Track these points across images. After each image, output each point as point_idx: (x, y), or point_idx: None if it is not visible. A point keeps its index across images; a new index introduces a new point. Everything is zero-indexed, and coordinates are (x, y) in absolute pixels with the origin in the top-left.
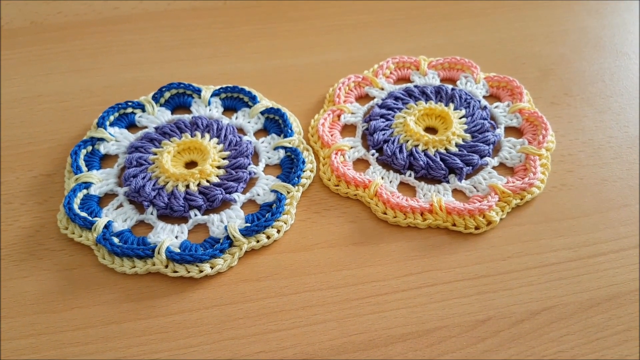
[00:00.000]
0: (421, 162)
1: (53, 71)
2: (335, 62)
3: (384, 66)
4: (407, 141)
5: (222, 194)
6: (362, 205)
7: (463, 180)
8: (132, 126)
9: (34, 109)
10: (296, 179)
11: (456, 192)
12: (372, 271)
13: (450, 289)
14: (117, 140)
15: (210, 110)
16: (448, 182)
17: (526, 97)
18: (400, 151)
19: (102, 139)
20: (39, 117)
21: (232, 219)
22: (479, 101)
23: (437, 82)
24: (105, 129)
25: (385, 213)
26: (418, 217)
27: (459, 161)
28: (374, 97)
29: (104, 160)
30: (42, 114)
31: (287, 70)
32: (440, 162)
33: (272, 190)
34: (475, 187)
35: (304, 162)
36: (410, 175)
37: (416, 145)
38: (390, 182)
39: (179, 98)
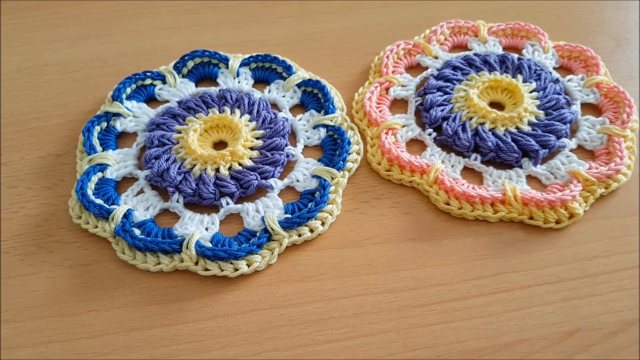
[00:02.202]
0: (489, 144)
1: (61, 37)
2: (378, 27)
3: (437, 31)
4: (471, 118)
5: (257, 179)
6: (419, 194)
7: (538, 165)
8: (151, 100)
9: (40, 80)
10: (341, 162)
11: (530, 179)
12: (436, 272)
13: (530, 294)
14: (135, 115)
15: (239, 82)
16: (521, 167)
17: (602, 69)
18: (464, 130)
19: (118, 114)
20: (46, 89)
21: (269, 209)
22: (550, 73)
23: (500, 51)
24: (121, 102)
25: (448, 204)
26: (488, 209)
27: (533, 142)
28: (426, 68)
29: (121, 138)
30: (49, 86)
31: (323, 37)
32: (512, 144)
33: (314, 176)
34: (552, 174)
35: (349, 142)
36: (476, 158)
37: (482, 124)
38: (452, 166)
39: (203, 68)
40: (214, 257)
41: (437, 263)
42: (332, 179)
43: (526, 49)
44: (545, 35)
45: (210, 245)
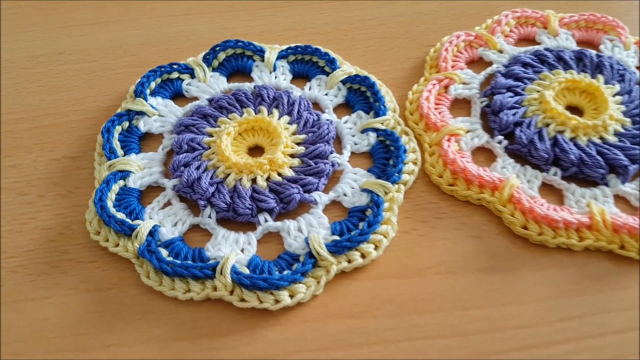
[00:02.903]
0: (572, 156)
1: (77, 22)
2: (433, 14)
3: (502, 22)
4: (548, 125)
5: (299, 192)
6: (490, 214)
7: (627, 183)
8: (178, 96)
9: (54, 70)
10: (396, 174)
11: (617, 199)
12: (513, 312)
13: (624, 341)
14: (160, 114)
15: (276, 77)
16: (607, 184)
17: None
18: (541, 139)
19: (141, 113)
20: (61, 80)
21: (313, 229)
22: (634, 73)
23: (574, 45)
24: (145, 99)
25: (525, 228)
26: (573, 236)
27: (622, 156)
28: (490, 63)
29: (144, 140)
30: (64, 77)
31: (370, 25)
32: (598, 157)
33: (364, 190)
34: None
35: (405, 150)
36: (555, 173)
37: (561, 132)
38: (529, 182)
39: (236, 61)
40: (252, 287)
41: (514, 300)
42: (386, 193)
43: (604, 45)
44: (625, 29)
45: (247, 271)
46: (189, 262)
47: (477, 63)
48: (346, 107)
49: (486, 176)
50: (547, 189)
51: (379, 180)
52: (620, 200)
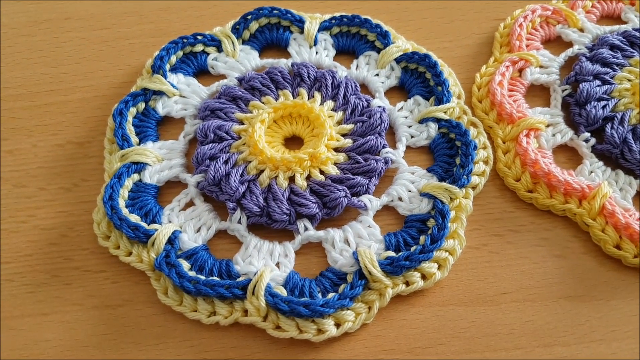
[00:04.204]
0: None
1: None
2: None
3: None
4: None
5: (346, 195)
6: (576, 228)
7: None
8: (202, 73)
9: (59, 38)
10: (465, 177)
11: None
12: (604, 351)
13: None
14: (182, 95)
15: (317, 53)
16: None
17: None
18: (636, 138)
19: (160, 93)
20: (67, 50)
21: (363, 241)
22: None
23: None
24: (164, 76)
25: (618, 247)
26: None
27: None
28: (570, 43)
29: (163, 125)
30: (71, 47)
31: None
32: None
33: (424, 194)
34: None
35: (475, 147)
36: None
37: None
38: (621, 190)
39: (270, 32)
40: (291, 313)
41: (605, 336)
42: (452, 200)
43: None
44: None
45: (284, 292)
46: (215, 278)
47: (553, 42)
48: (400, 91)
49: (574, 182)
50: None
51: (444, 184)
52: None
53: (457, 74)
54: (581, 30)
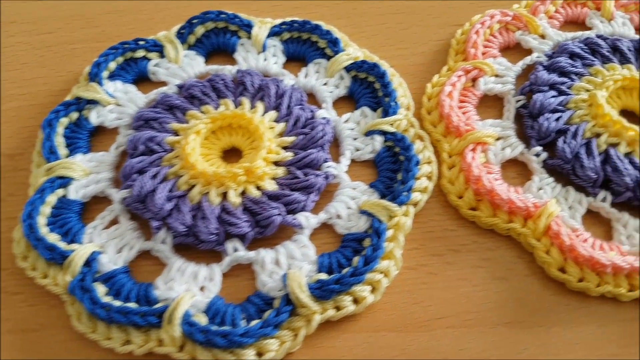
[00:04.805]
0: (627, 178)
1: None
2: None
3: (546, 0)
4: (599, 135)
5: (281, 213)
6: (520, 249)
7: None
8: (144, 80)
9: (2, 43)
10: (405, 194)
11: None
12: None
13: None
14: (118, 103)
15: (265, 60)
16: None
17: None
18: (589, 153)
19: (94, 102)
20: (7, 57)
21: (295, 262)
22: None
23: (632, 33)
24: (100, 83)
25: (563, 270)
26: (622, 284)
27: None
28: (530, 51)
29: (98, 135)
30: (12, 53)
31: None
32: None
33: (363, 212)
34: None
35: (417, 162)
36: (605, 199)
37: (614, 145)
38: (570, 208)
39: (217, 37)
40: (207, 344)
41: None
42: (391, 218)
43: None
44: None
45: (204, 320)
46: (131, 305)
47: (513, 50)
48: (350, 101)
49: (518, 201)
50: (592, 217)
51: (381, 201)
52: None
53: (410, 83)
54: (542, 36)
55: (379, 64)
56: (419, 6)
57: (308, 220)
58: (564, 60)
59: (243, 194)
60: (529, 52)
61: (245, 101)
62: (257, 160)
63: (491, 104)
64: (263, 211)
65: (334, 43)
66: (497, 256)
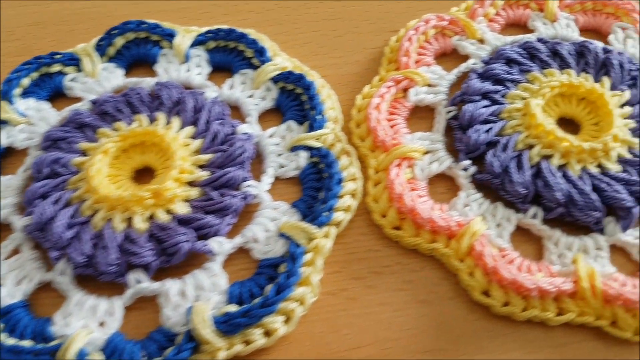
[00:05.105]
0: (558, 193)
1: None
2: None
3: (485, 1)
4: (531, 147)
5: (189, 240)
6: (445, 270)
7: (630, 230)
8: (60, 96)
9: None
10: (325, 214)
11: (614, 250)
12: None
13: None
14: (30, 122)
15: (188, 70)
16: (603, 231)
17: None
18: (519, 167)
19: (3, 122)
20: None
21: (203, 294)
22: None
23: (575, 35)
24: (10, 101)
25: (487, 294)
26: (550, 307)
27: (625, 193)
28: (467, 57)
29: (9, 157)
30: None
31: (320, 3)
32: (593, 195)
33: (281, 235)
34: None
35: (340, 181)
36: (535, 215)
37: (547, 157)
38: (498, 226)
39: (138, 48)
40: None
41: None
42: (310, 240)
43: (614, 35)
44: None
45: (100, 358)
46: (25, 343)
47: (451, 57)
48: (278, 114)
49: (440, 219)
50: (523, 234)
51: (299, 223)
52: (619, 252)
53: (343, 94)
54: (481, 41)
55: (307, 74)
56: (355, 11)
57: (222, 245)
58: (498, 67)
59: (151, 218)
60: (467, 58)
61: (161, 116)
62: (167, 182)
63: (424, 115)
64: (169, 238)
65: (260, 52)
66: (421, 278)
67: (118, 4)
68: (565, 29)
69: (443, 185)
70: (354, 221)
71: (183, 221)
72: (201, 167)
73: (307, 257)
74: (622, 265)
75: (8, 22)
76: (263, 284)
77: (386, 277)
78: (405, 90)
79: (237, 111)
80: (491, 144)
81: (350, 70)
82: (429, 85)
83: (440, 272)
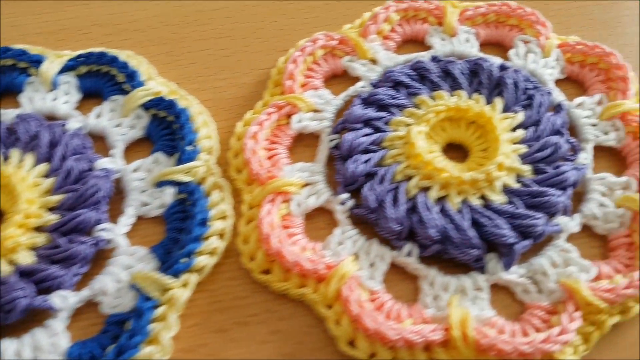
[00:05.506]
0: (432, 230)
1: None
2: (298, 4)
3: (379, 17)
4: (410, 179)
5: (27, 296)
6: (316, 318)
7: (514, 267)
8: None
9: None
10: (183, 260)
11: (497, 290)
12: None
13: None
14: None
15: (55, 99)
16: (483, 270)
17: (633, 87)
18: (395, 201)
19: None
20: None
21: (41, 355)
22: (549, 93)
23: (475, 50)
24: None
25: (352, 344)
26: (420, 357)
27: (506, 229)
28: (358, 79)
29: None
30: None
31: (211, 18)
32: (471, 231)
33: (133, 286)
34: (535, 283)
35: (204, 221)
36: (410, 253)
37: (426, 189)
38: (372, 265)
39: (4, 77)
40: None
41: None
42: (164, 292)
43: (515, 49)
44: (547, 27)
45: None
46: None
47: (343, 78)
48: (150, 144)
49: (306, 262)
50: (402, 273)
51: (152, 273)
52: (502, 291)
53: (225, 120)
54: (373, 61)
55: (181, 100)
56: (247, 29)
57: (66, 299)
58: (382, 92)
59: None
60: (357, 80)
61: (15, 154)
62: (9, 229)
63: (311, 142)
64: (5, 294)
65: (131, 77)
66: (290, 327)
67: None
68: (464, 44)
69: (323, 220)
70: (223, 264)
71: (25, 273)
72: (52, 209)
73: (159, 311)
74: (506, 306)
75: None
76: (106, 344)
77: (252, 328)
78: (289, 116)
79: (101, 143)
80: (370, 176)
81: (236, 94)
82: (315, 111)
83: (311, 320)
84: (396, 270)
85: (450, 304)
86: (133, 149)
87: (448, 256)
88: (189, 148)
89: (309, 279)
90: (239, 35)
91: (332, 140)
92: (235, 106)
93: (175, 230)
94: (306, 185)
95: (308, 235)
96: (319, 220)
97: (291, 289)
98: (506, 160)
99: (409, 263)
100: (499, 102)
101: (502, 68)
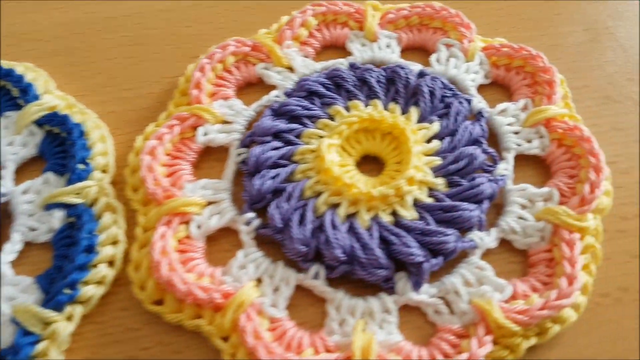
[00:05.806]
0: (338, 250)
1: None
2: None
3: (296, 21)
4: (318, 195)
5: None
6: (211, 351)
7: (425, 287)
8: None
9: None
10: (65, 291)
11: (409, 311)
12: None
13: None
14: None
15: None
16: (393, 290)
17: (560, 90)
18: (301, 220)
19: None
20: None
21: None
22: (469, 100)
23: (396, 56)
24: None
25: None
26: None
27: (415, 247)
28: (274, 87)
29: None
30: None
31: (121, 24)
32: (378, 251)
33: (14, 320)
34: (448, 303)
35: (91, 247)
36: (317, 275)
37: (335, 206)
38: (276, 290)
39: None
40: None
41: None
42: (45, 326)
43: (437, 53)
44: (471, 29)
45: None
46: None
47: (258, 87)
48: (41, 161)
49: (199, 291)
50: (308, 295)
51: (30, 306)
52: (414, 311)
53: (127, 134)
54: (290, 68)
55: (76, 114)
56: (158, 35)
57: None
58: (294, 103)
59: None
60: (273, 88)
61: None
62: None
63: (221, 156)
64: None
65: (24, 91)
66: None
67: None
68: (385, 49)
69: (228, 241)
70: (113, 294)
71: None
72: None
73: (40, 346)
74: (417, 328)
75: None
76: None
77: None
78: (194, 128)
79: None
80: (278, 193)
81: (141, 105)
82: (224, 122)
83: (208, 352)
84: (303, 293)
85: (355, 329)
86: (27, 169)
87: (356, 277)
88: (80, 167)
89: (204, 309)
90: (151, 42)
91: (239, 154)
92: (141, 118)
93: (61, 258)
94: (210, 204)
95: (210, 259)
96: (223, 242)
97: (185, 320)
98: (417, 173)
99: (315, 286)
100: (414, 112)
101: (420, 75)
